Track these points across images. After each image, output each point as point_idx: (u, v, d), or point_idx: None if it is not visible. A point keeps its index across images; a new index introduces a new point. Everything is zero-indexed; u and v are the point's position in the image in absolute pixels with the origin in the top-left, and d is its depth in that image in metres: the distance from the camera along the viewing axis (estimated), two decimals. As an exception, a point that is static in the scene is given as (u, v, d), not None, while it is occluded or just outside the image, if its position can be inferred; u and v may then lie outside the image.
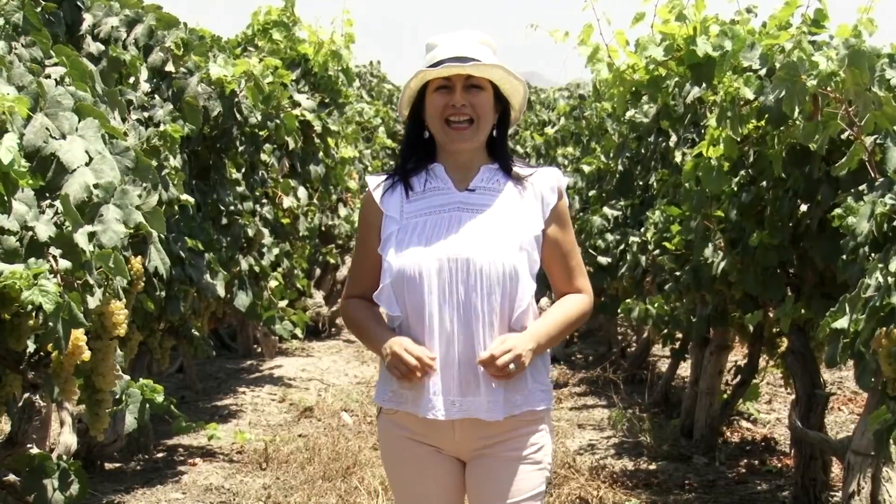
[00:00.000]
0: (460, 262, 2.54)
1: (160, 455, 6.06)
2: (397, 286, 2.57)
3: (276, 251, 6.87)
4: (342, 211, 10.41)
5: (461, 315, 2.54)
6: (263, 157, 6.63)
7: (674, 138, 6.43)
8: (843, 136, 3.63)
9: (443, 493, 2.67)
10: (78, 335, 2.51)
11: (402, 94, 2.70)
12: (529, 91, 21.11)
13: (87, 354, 2.56)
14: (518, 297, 2.57)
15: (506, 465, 2.61)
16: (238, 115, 5.45)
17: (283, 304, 7.41)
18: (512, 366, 2.50)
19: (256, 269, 6.42)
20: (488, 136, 2.69)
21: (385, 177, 2.72)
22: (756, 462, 5.86)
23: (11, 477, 2.88)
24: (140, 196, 2.72)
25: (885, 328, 2.85)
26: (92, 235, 2.44)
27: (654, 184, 7.07)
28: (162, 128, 4.23)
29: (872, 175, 3.41)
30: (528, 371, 2.60)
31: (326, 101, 8.03)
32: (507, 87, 2.67)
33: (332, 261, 10.64)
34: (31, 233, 2.36)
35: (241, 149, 5.82)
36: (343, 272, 11.06)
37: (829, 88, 3.55)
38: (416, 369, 2.51)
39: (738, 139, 4.16)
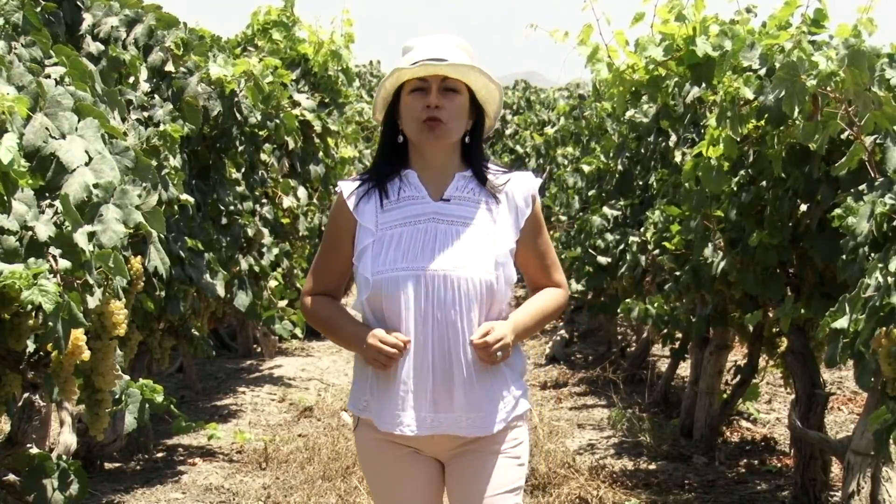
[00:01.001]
0: (438, 279, 2.53)
1: (160, 455, 6.06)
2: (374, 301, 2.56)
3: (275, 251, 6.87)
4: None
5: (437, 331, 2.53)
6: (263, 156, 6.63)
7: (673, 138, 6.43)
8: (843, 136, 3.63)
9: (422, 493, 2.66)
10: (78, 335, 2.51)
11: (376, 95, 2.68)
12: (530, 91, 21.00)
13: (86, 354, 2.56)
14: (495, 313, 2.59)
15: (485, 461, 2.61)
16: (238, 115, 5.45)
17: (282, 303, 7.41)
18: (499, 353, 2.52)
19: (256, 268, 6.42)
20: (462, 142, 2.67)
21: (358, 182, 2.69)
22: (756, 462, 5.86)
23: (11, 477, 2.88)
24: (140, 196, 2.72)
25: (884, 328, 2.85)
26: (92, 235, 2.44)
27: (654, 184, 7.07)
28: (162, 128, 4.23)
29: (872, 175, 3.41)
30: (510, 379, 2.61)
31: (326, 100, 8.03)
32: (483, 93, 2.65)
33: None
34: (30, 233, 2.36)
35: (240, 148, 5.82)
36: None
37: (828, 88, 3.55)
38: (394, 356, 2.51)
39: (738, 139, 4.16)
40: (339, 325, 2.66)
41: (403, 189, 2.65)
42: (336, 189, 2.75)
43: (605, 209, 8.00)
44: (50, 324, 2.29)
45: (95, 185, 2.49)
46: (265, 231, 6.66)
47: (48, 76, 2.71)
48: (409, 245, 2.57)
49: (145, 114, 4.51)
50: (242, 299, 6.07)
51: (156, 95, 4.73)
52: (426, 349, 2.53)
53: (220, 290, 5.26)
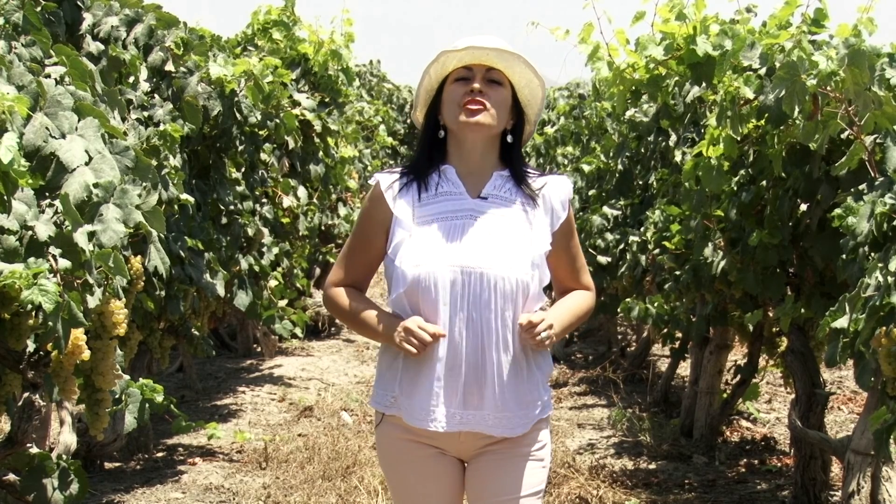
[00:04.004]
0: (474, 276, 2.54)
1: (160, 454, 6.06)
2: (411, 295, 2.56)
3: (275, 250, 6.87)
4: (342, 210, 10.42)
5: (472, 329, 2.53)
6: (263, 156, 6.63)
7: (674, 138, 6.43)
8: (843, 136, 3.63)
9: (444, 493, 2.66)
10: (77, 334, 2.51)
11: (419, 85, 2.68)
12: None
13: (86, 354, 2.56)
14: (531, 311, 2.58)
15: (508, 462, 2.61)
16: (238, 115, 5.45)
17: (282, 303, 7.41)
18: (545, 333, 2.51)
19: (256, 268, 6.42)
20: (501, 143, 2.67)
21: (396, 175, 2.69)
22: (756, 461, 5.86)
23: (11, 476, 2.88)
24: (140, 195, 2.72)
25: (884, 327, 2.85)
26: (92, 235, 2.44)
27: (654, 183, 7.07)
28: (162, 127, 4.23)
29: (872, 174, 3.41)
30: (539, 382, 2.61)
31: (326, 100, 8.03)
32: (526, 92, 2.66)
33: (332, 260, 10.64)
34: (30, 232, 2.36)
35: (240, 148, 5.82)
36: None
37: (828, 88, 3.55)
38: (427, 343, 2.50)
39: (738, 138, 4.16)
40: (367, 315, 2.64)
41: (441, 184, 2.65)
42: (371, 181, 2.74)
43: (605, 209, 8.00)
44: (50, 323, 2.29)
45: (95, 185, 2.49)
46: (265, 231, 6.66)
47: (48, 76, 2.71)
48: (445, 240, 2.57)
49: (145, 113, 4.51)
50: (242, 299, 6.07)
51: (156, 95, 4.72)
52: (460, 346, 2.53)
53: (220, 290, 5.26)
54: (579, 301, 2.73)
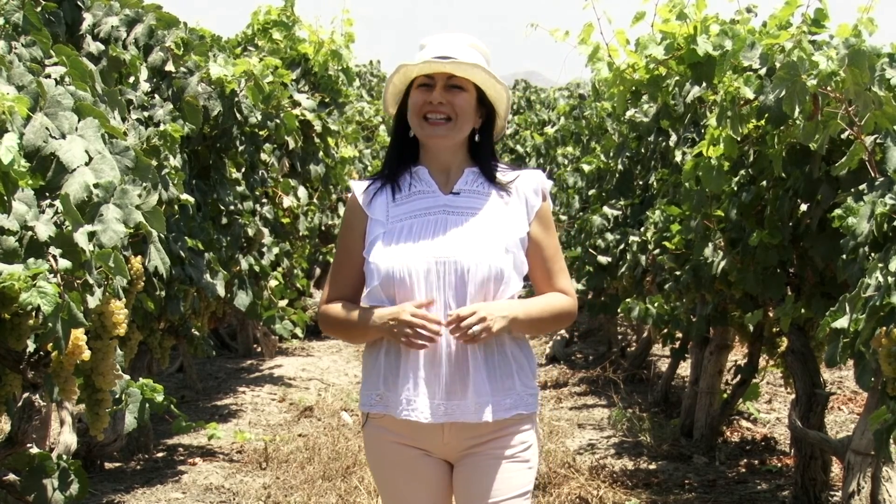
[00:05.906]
0: (448, 265, 2.55)
1: (160, 454, 6.06)
2: (385, 287, 2.57)
3: (276, 251, 6.88)
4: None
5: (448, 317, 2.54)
6: (263, 156, 6.63)
7: (674, 138, 6.43)
8: (843, 136, 3.63)
9: (431, 495, 2.66)
10: (78, 335, 2.51)
11: (385, 90, 2.71)
12: (530, 91, 21.00)
13: (86, 354, 2.56)
14: (504, 298, 2.58)
15: (493, 464, 2.61)
16: (238, 115, 5.45)
17: (283, 303, 7.41)
18: (478, 327, 2.48)
19: (256, 268, 6.43)
20: (472, 140, 2.69)
21: (369, 182, 2.72)
22: (756, 462, 5.86)
23: (11, 476, 2.88)
24: (140, 196, 2.72)
25: (885, 328, 2.85)
26: (92, 235, 2.44)
27: (654, 183, 7.07)
28: (162, 127, 4.23)
29: (872, 175, 3.41)
30: (517, 375, 2.61)
31: (326, 100, 8.03)
32: (492, 93, 2.67)
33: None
34: (30, 232, 2.36)
35: (241, 148, 5.82)
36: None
37: (829, 88, 3.54)
38: (434, 336, 2.49)
39: (738, 139, 4.16)
40: (358, 315, 2.62)
41: (414, 184, 2.68)
42: (347, 193, 2.77)
43: (606, 209, 8.00)
44: (50, 324, 2.29)
45: (96, 185, 2.49)
46: (265, 231, 6.66)
47: (48, 76, 2.71)
48: (419, 235, 2.60)
49: (145, 113, 4.51)
50: (243, 299, 6.08)
51: (156, 95, 4.73)
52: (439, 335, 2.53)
53: (221, 290, 5.26)
54: (551, 299, 2.68)
